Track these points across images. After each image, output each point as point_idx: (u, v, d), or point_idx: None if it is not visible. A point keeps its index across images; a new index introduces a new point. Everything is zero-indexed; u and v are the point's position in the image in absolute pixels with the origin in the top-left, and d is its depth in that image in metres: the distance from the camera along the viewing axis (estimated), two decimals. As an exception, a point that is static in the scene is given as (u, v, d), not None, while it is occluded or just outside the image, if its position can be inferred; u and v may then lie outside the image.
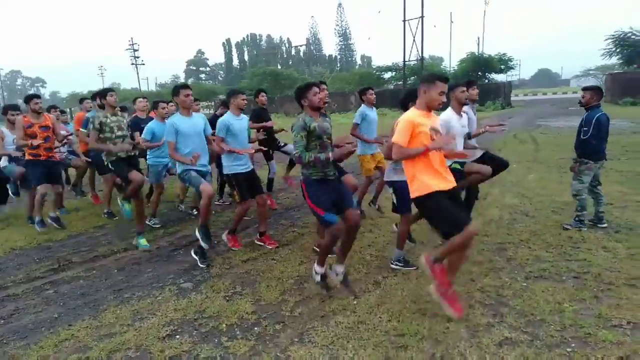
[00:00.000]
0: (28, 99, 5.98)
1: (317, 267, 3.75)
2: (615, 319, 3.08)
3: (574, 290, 3.55)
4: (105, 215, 6.65)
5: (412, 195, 3.29)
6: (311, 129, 3.58)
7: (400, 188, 4.13)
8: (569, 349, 2.76)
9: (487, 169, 4.52)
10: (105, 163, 5.19)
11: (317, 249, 4.71)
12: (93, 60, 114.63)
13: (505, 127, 4.87)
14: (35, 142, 5.68)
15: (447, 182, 3.26)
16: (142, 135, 5.92)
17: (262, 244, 5.12)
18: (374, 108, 6.06)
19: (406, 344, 2.93)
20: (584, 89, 5.39)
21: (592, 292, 3.49)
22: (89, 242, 5.57)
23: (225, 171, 5.10)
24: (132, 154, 5.40)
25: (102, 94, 5.36)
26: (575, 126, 5.41)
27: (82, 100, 8.06)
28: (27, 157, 5.96)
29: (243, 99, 5.04)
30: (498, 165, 4.82)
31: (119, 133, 5.17)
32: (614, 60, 37.15)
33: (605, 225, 5.06)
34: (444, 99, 3.31)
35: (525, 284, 3.72)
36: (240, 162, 4.95)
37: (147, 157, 6.35)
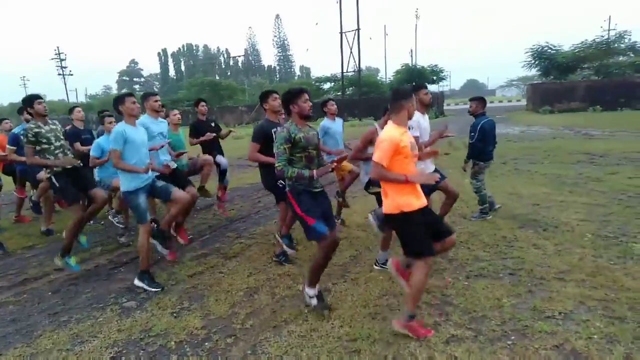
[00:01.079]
0: None
1: (309, 290, 3.53)
2: (548, 310, 3.32)
3: (510, 286, 3.78)
4: (46, 234, 6.27)
5: (385, 210, 3.15)
6: (296, 140, 3.40)
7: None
8: (509, 342, 2.94)
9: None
10: (49, 177, 4.75)
11: (276, 259, 4.72)
12: (14, 71, 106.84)
13: (451, 133, 5.10)
14: None
15: (421, 200, 3.15)
16: (91, 152, 5.69)
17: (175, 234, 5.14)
18: (337, 119, 6.01)
19: (359, 348, 2.98)
20: (471, 99, 6.14)
21: (527, 287, 3.75)
22: (18, 264, 5.17)
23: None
24: (78, 165, 4.88)
25: (29, 101, 4.77)
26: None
27: (0, 120, 7.34)
28: None
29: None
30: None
31: (57, 143, 4.72)
32: (534, 71, 40.18)
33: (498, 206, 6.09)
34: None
35: (466, 283, 3.91)
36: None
37: (97, 172, 6.00)
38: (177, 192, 4.48)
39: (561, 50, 36.20)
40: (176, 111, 6.17)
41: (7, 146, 6.24)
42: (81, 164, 4.97)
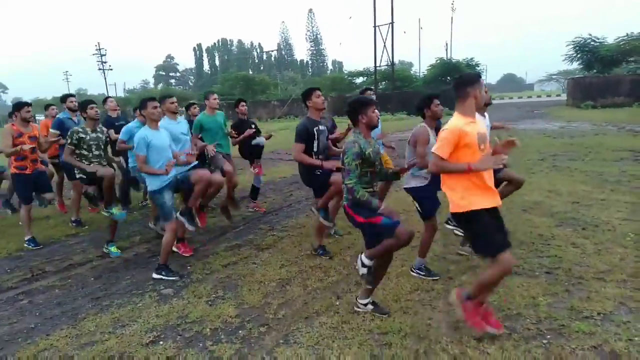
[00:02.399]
0: (19, 107, 5.62)
1: (365, 260, 3.34)
2: (586, 310, 3.23)
3: (547, 284, 3.70)
4: (73, 224, 6.44)
5: (452, 209, 2.94)
6: (366, 156, 3.16)
7: (420, 194, 3.99)
8: (544, 341, 2.89)
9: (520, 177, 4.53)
10: (77, 174, 5.15)
11: (314, 252, 4.73)
12: (58, 66, 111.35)
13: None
14: (26, 147, 5.33)
15: (493, 199, 2.93)
16: (120, 136, 5.84)
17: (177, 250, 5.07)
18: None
19: (390, 341, 2.99)
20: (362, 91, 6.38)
21: (564, 286, 3.65)
22: (63, 250, 5.43)
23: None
24: (104, 163, 5.23)
25: (83, 106, 5.13)
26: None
27: (47, 106, 7.78)
28: (12, 170, 5.65)
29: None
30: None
31: (97, 152, 5.05)
32: (575, 65, 38.65)
33: None
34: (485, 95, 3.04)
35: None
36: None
37: (130, 161, 6.22)
38: (194, 174, 4.64)
39: (605, 42, 34.63)
40: (215, 95, 6.31)
41: (51, 130, 6.49)
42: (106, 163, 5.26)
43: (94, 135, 5.05)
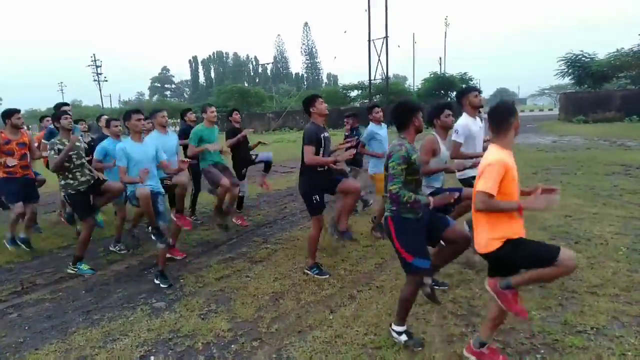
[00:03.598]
0: (8, 114, 5.61)
1: (397, 327, 3.11)
2: (579, 325, 3.23)
3: (540, 298, 3.70)
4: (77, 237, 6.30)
5: (488, 248, 2.62)
6: (412, 161, 2.99)
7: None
8: (538, 355, 2.89)
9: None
10: (62, 195, 5.15)
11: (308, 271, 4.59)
12: (53, 77, 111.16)
13: None
14: (11, 162, 5.37)
15: (522, 227, 2.67)
16: (95, 155, 5.65)
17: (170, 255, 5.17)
18: (384, 125, 6.03)
19: (384, 356, 2.98)
20: (346, 116, 7.29)
21: (557, 300, 3.66)
22: (54, 262, 5.37)
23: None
24: (95, 181, 5.15)
25: (57, 117, 5.04)
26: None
27: (42, 118, 7.73)
28: (0, 174, 5.59)
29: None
30: None
31: (78, 162, 4.94)
32: (567, 80, 39.16)
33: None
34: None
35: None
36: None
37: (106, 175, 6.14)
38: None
39: (596, 58, 35.18)
40: (213, 108, 6.33)
41: (43, 141, 6.41)
42: (98, 179, 5.24)
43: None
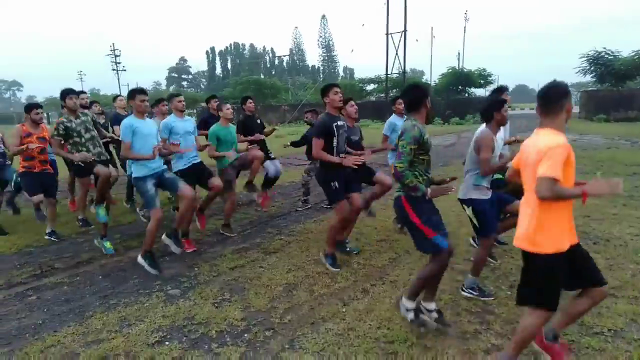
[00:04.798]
0: (29, 108, 5.77)
1: (407, 303, 3.18)
2: (596, 326, 3.18)
3: (556, 298, 3.65)
4: (80, 223, 6.40)
5: (531, 246, 2.45)
6: (424, 141, 3.01)
7: (481, 207, 3.66)
8: (553, 355, 2.84)
9: None
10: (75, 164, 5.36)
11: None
12: (73, 65, 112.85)
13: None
14: (34, 146, 5.50)
15: (574, 235, 2.51)
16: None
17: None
18: (405, 117, 5.94)
19: (396, 350, 2.97)
20: (306, 111, 7.42)
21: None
22: (72, 248, 5.47)
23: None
24: (104, 157, 5.45)
25: (62, 96, 5.32)
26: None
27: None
28: (20, 169, 5.76)
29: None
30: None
31: (87, 135, 5.27)
32: (588, 78, 38.38)
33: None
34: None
35: (509, 293, 3.81)
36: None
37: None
38: (184, 188, 4.71)
39: (620, 56, 34.39)
40: (229, 105, 6.31)
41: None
42: (107, 157, 5.53)
43: (78, 120, 5.24)
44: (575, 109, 45.51)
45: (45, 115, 18.20)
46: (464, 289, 3.83)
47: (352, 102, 5.59)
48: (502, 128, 4.37)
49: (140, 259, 4.53)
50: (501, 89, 4.53)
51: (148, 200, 4.58)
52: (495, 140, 3.79)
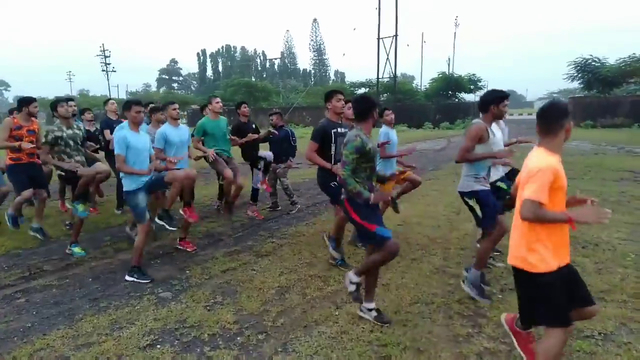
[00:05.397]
0: (27, 102, 5.63)
1: (352, 276, 3.41)
2: (586, 329, 3.22)
3: (547, 302, 3.68)
4: (67, 227, 6.19)
5: (523, 264, 2.42)
6: (366, 151, 3.23)
7: (485, 198, 3.75)
8: (545, 358, 2.87)
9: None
10: (58, 174, 5.40)
11: (327, 240, 4.74)
12: (61, 65, 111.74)
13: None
14: (28, 146, 5.38)
15: (568, 252, 2.47)
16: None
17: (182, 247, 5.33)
18: (393, 128, 5.72)
19: (389, 354, 2.97)
20: (271, 114, 7.47)
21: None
22: (60, 250, 5.38)
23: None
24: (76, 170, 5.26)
25: (53, 105, 5.34)
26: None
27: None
28: (7, 161, 5.64)
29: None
30: None
31: (74, 146, 5.27)
32: (576, 84, 38.98)
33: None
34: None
35: (501, 296, 3.84)
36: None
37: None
38: (168, 174, 4.69)
39: (606, 63, 34.97)
40: (218, 99, 6.30)
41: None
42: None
43: (70, 132, 5.25)
44: (563, 115, 46.11)
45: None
46: (464, 281, 3.86)
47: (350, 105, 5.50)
48: (500, 130, 4.44)
49: (128, 277, 4.40)
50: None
51: (138, 214, 4.52)
52: (492, 132, 3.87)
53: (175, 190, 4.77)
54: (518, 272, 2.48)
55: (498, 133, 4.21)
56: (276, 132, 7.14)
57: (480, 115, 3.93)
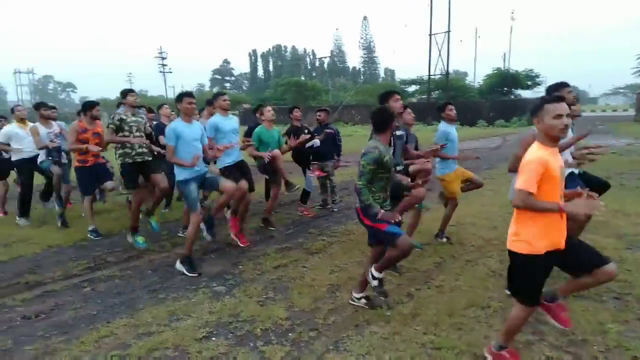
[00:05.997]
0: (90, 106, 5.98)
1: (375, 272, 3.53)
2: (659, 339, 2.98)
3: (616, 311, 3.45)
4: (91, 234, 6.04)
5: (510, 246, 2.66)
6: (384, 162, 3.31)
7: None
8: (614, 371, 2.69)
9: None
10: (118, 164, 5.59)
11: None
12: (122, 67, 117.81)
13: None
14: (95, 149, 5.74)
15: (562, 236, 2.61)
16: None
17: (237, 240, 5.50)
18: (455, 125, 5.47)
19: (444, 357, 2.89)
20: (318, 110, 7.45)
21: (636, 314, 3.40)
22: (122, 242, 5.68)
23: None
24: (149, 158, 5.66)
25: (123, 94, 5.69)
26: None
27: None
28: (75, 164, 5.98)
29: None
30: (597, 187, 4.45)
31: (137, 133, 5.53)
32: (646, 79, 36.34)
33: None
34: (566, 120, 2.49)
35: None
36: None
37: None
38: (224, 182, 4.86)
39: (681, 55, 32.37)
40: (269, 107, 6.35)
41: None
42: (152, 158, 5.73)
43: (133, 118, 5.56)
44: (631, 112, 43.13)
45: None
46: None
47: (409, 110, 5.14)
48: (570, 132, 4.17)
49: (178, 265, 4.60)
50: (560, 85, 4.20)
51: (190, 202, 4.68)
52: None
53: (225, 200, 5.01)
54: (509, 252, 2.71)
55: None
56: (332, 130, 7.17)
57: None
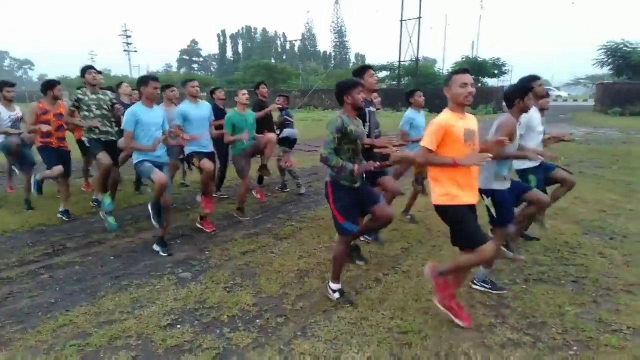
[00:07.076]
0: (51, 85, 5.67)
1: (332, 285, 3.56)
2: (615, 324, 3.12)
3: (573, 294, 3.59)
4: (95, 204, 6.33)
5: (435, 201, 3.06)
6: (347, 132, 3.34)
7: (502, 198, 3.60)
8: (571, 352, 2.80)
9: (545, 197, 4.12)
10: (84, 139, 5.48)
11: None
12: (84, 45, 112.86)
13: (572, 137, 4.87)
14: (45, 128, 5.45)
15: (474, 195, 3.06)
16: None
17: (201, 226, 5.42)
18: (422, 111, 5.60)
19: (410, 341, 2.93)
20: (279, 95, 7.56)
21: (591, 297, 3.54)
22: (83, 227, 5.47)
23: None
24: (112, 138, 5.48)
25: (83, 71, 5.44)
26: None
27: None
28: (37, 143, 5.70)
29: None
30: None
31: (98, 112, 5.32)
32: (605, 70, 37.68)
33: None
34: (470, 89, 2.91)
35: (524, 286, 3.75)
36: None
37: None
38: (202, 162, 5.07)
39: (639, 48, 33.64)
40: (244, 91, 6.17)
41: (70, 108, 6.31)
42: (115, 139, 5.57)
43: (93, 96, 5.33)
44: (590, 102, 44.71)
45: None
46: (475, 282, 3.74)
47: (419, 92, 5.67)
48: (539, 118, 4.33)
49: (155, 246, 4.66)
50: (531, 79, 4.39)
51: (146, 173, 4.57)
52: (518, 127, 3.75)
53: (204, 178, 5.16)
54: (436, 207, 3.10)
55: (537, 130, 4.28)
56: (290, 118, 7.34)
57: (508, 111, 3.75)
